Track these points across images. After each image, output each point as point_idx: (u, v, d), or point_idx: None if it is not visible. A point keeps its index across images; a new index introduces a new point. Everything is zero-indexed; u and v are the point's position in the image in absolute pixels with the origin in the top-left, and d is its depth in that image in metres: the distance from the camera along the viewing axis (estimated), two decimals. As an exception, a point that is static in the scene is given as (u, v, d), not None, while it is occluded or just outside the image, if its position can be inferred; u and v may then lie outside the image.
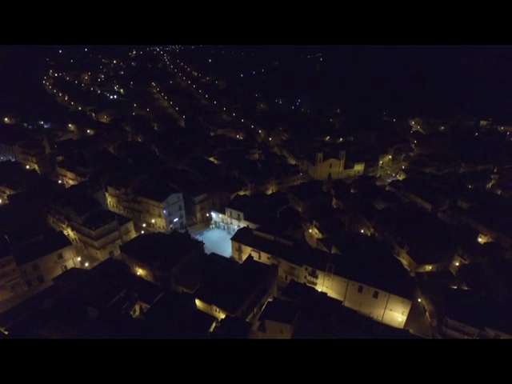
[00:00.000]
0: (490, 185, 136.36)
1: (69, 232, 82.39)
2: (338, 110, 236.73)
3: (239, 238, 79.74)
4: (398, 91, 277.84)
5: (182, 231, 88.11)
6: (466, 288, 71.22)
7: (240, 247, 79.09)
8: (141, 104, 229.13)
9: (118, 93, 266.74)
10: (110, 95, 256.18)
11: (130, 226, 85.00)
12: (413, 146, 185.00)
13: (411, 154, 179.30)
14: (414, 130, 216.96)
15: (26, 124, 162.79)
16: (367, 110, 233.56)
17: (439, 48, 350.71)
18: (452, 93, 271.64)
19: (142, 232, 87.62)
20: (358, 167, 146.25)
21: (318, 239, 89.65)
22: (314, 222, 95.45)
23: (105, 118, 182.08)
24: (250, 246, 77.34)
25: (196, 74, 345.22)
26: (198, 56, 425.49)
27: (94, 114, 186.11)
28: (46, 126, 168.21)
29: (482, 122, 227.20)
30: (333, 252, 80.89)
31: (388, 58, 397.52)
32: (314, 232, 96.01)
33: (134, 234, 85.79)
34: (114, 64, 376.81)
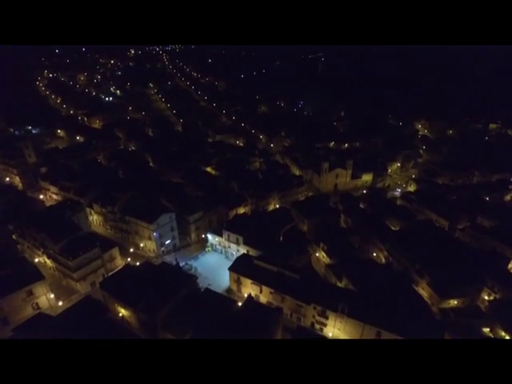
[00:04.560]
0: (510, 197, 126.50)
1: (45, 259, 72.98)
2: (342, 113, 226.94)
3: (238, 267, 70.17)
4: (401, 92, 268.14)
5: (174, 257, 78.88)
6: (501, 331, 61.78)
7: (239, 279, 69.57)
8: (137, 107, 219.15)
9: (113, 94, 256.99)
10: (106, 97, 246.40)
11: (115, 252, 75.25)
12: (421, 151, 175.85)
13: (420, 160, 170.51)
14: (420, 133, 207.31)
15: (12, 129, 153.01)
16: (372, 112, 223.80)
17: (442, 48, 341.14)
18: (456, 93, 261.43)
19: (129, 259, 77.83)
20: (366, 177, 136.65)
21: (327, 265, 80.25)
22: (322, 244, 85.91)
23: (97, 123, 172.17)
24: (250, 278, 67.84)
25: (195, 74, 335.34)
26: (197, 56, 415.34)
27: (85, 119, 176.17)
28: (34, 132, 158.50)
29: (492, 126, 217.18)
30: (343, 284, 71.54)
31: (389, 58, 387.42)
32: (321, 255, 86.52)
33: (119, 261, 76.29)
34: (111, 64, 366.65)
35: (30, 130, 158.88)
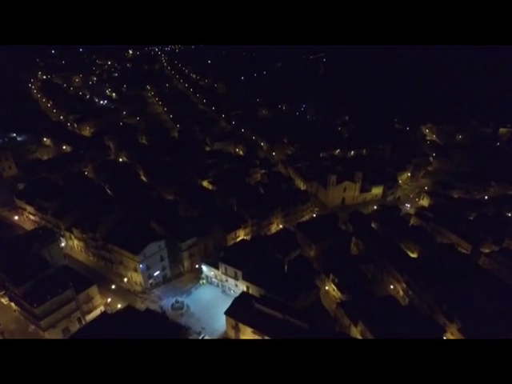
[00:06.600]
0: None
1: (8, 302, 62.42)
2: (347, 117, 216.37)
3: (236, 312, 59.63)
4: (407, 94, 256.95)
5: (160, 307, 67.26)
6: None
7: (237, 325, 59.10)
8: (132, 111, 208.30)
9: (108, 97, 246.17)
10: (100, 100, 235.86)
11: (93, 291, 64.03)
12: (431, 158, 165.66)
13: (430, 168, 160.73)
14: (429, 138, 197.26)
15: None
16: (376, 115, 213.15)
17: (445, 48, 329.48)
18: (462, 95, 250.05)
19: (109, 300, 67.30)
20: (376, 190, 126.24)
21: (338, 303, 69.74)
22: (331, 276, 75.51)
23: (87, 130, 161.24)
24: (250, 325, 57.32)
25: (194, 76, 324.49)
26: (197, 57, 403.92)
27: (75, 125, 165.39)
28: (19, 139, 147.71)
29: (502, 130, 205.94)
30: (359, 329, 61.04)
31: (392, 59, 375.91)
32: (331, 289, 76.11)
33: (99, 300, 65.45)
34: (108, 65, 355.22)
35: (15, 137, 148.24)
